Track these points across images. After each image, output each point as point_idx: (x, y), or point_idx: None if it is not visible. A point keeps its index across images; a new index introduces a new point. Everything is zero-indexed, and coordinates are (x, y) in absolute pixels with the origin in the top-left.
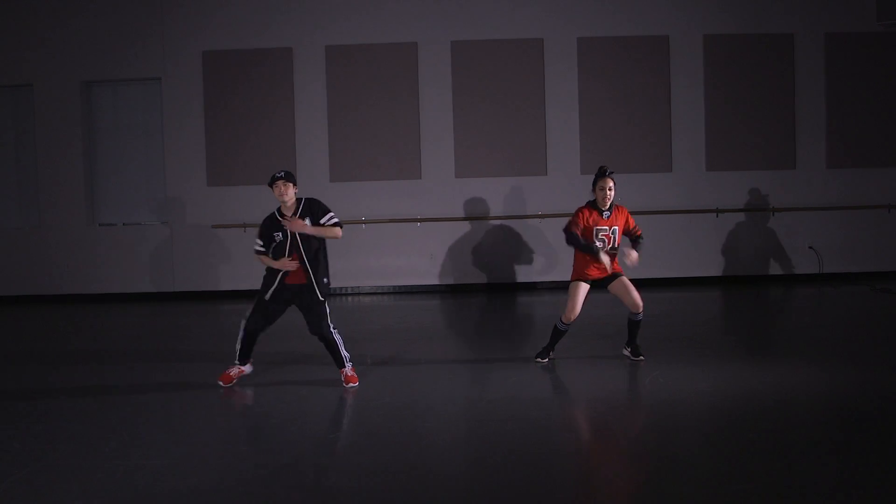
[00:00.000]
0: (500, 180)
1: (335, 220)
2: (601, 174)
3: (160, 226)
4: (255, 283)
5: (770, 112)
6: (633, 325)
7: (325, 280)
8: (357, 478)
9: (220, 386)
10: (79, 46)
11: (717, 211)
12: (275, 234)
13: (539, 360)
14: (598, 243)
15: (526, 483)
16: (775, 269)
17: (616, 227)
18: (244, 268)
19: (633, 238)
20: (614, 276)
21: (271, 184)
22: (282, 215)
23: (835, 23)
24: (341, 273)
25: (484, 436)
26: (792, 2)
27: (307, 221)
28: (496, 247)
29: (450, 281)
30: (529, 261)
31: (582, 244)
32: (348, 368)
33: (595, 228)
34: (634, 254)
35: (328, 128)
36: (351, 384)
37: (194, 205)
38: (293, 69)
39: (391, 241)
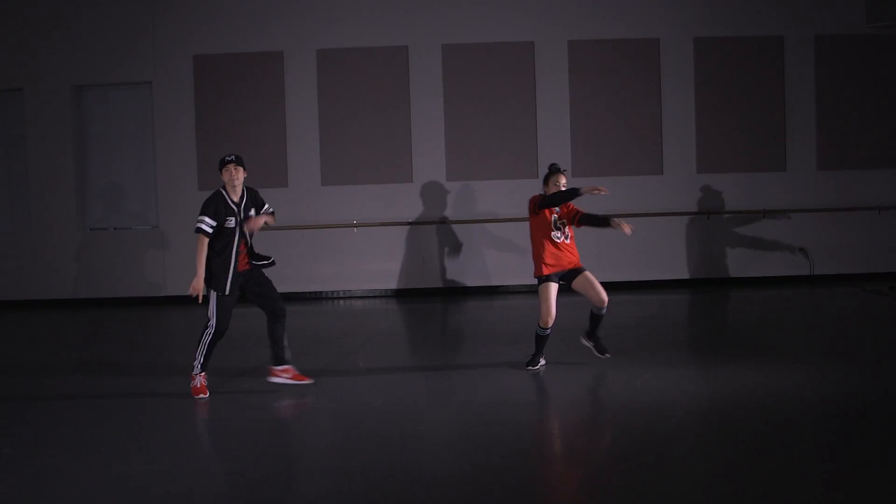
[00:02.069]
0: (492, 183)
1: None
2: (557, 170)
3: (151, 230)
4: None
5: (760, 114)
6: (596, 318)
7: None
8: (351, 481)
9: (203, 398)
10: (69, 51)
11: (708, 213)
12: (228, 217)
13: (530, 367)
14: (556, 232)
15: (521, 485)
16: (766, 270)
17: (564, 220)
18: None
19: (589, 218)
20: (577, 271)
21: (221, 167)
22: (231, 200)
23: (824, 25)
24: (332, 277)
25: (478, 439)
26: (782, 4)
27: (251, 212)
28: (488, 250)
29: (441, 284)
30: (522, 264)
31: (563, 194)
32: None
33: (553, 216)
34: (626, 226)
35: (319, 131)
36: (276, 378)
37: (185, 209)
38: (284, 73)
39: (383, 245)
